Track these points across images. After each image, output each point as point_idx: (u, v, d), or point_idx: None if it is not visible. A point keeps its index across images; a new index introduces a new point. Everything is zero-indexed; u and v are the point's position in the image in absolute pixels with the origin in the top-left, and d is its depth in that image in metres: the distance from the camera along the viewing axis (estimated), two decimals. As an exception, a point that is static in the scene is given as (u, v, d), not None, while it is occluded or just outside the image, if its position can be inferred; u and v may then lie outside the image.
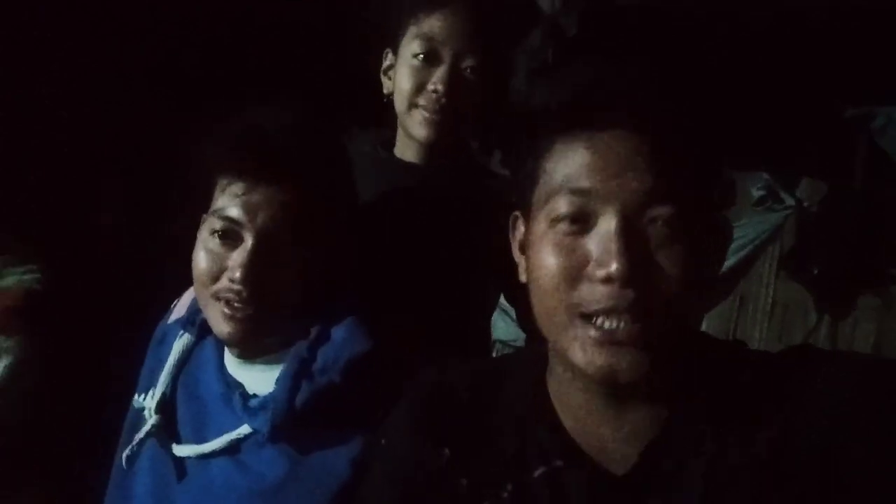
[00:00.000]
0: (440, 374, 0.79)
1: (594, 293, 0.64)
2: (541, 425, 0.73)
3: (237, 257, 0.89)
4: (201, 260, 0.92)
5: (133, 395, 1.04)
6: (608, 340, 0.63)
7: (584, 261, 0.65)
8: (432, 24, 1.09)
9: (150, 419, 0.96)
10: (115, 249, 2.02)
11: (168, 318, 1.08)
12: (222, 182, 0.91)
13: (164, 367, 1.00)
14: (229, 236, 0.90)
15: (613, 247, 0.63)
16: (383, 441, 0.80)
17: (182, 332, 1.02)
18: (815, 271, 3.04)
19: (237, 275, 0.88)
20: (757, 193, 3.10)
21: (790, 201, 3.09)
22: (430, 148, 1.14)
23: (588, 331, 0.64)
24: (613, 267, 0.62)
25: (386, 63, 1.18)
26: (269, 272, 0.89)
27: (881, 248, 2.92)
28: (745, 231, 3.11)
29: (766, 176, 3.09)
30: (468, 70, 1.09)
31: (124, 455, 0.98)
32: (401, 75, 1.12)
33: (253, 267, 0.88)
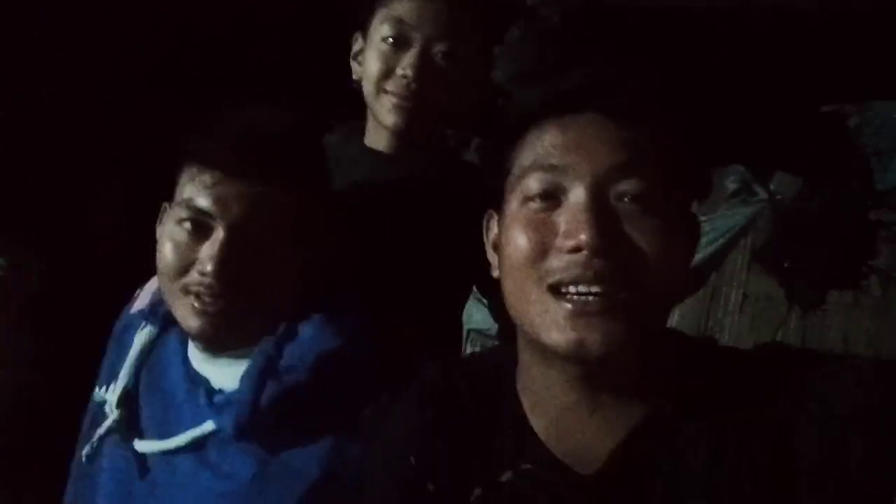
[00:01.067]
0: (420, 376, 0.79)
1: (563, 262, 0.64)
2: (509, 427, 0.72)
3: (208, 250, 0.86)
4: (168, 252, 0.88)
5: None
6: (580, 312, 0.63)
7: (554, 234, 0.65)
8: (403, 6, 1.06)
9: (112, 414, 0.93)
10: (112, 247, 2.00)
11: (130, 307, 1.05)
12: (190, 171, 0.89)
13: (125, 359, 0.97)
14: (198, 227, 0.87)
15: (582, 217, 0.64)
16: (379, 446, 0.78)
17: (144, 323, 0.99)
18: (787, 265, 3.07)
19: (208, 268, 0.85)
20: (731, 186, 3.12)
21: (763, 194, 3.12)
22: (400, 136, 1.11)
23: (560, 305, 0.64)
24: (582, 236, 0.63)
25: (355, 48, 1.15)
26: (240, 266, 0.86)
27: (853, 244, 2.96)
28: (718, 223, 3.13)
29: (741, 168, 3.11)
30: (439, 55, 1.07)
31: (84, 451, 0.95)
32: (369, 59, 1.09)
33: (225, 260, 0.85)
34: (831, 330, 3.02)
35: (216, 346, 0.91)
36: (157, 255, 0.90)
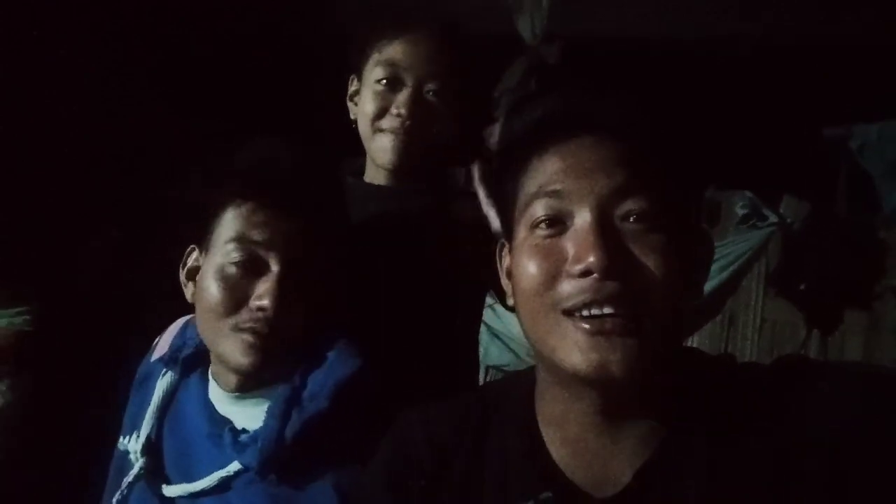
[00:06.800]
0: (423, 413, 0.78)
1: (574, 287, 0.64)
2: (527, 455, 0.72)
3: (264, 285, 0.87)
4: (216, 291, 0.88)
5: (118, 438, 1.02)
6: (598, 331, 0.64)
7: (563, 260, 0.66)
8: (395, 49, 1.11)
9: (137, 462, 0.95)
10: (105, 289, 2.01)
11: (150, 356, 1.07)
12: (241, 210, 0.89)
13: (147, 407, 0.98)
14: (250, 264, 0.88)
15: (590, 240, 0.64)
16: (361, 486, 0.79)
17: (165, 370, 1.00)
18: (802, 287, 3.05)
19: (266, 302, 0.86)
20: (740, 212, 3.13)
21: (773, 218, 3.12)
22: (397, 172, 1.14)
23: (577, 326, 0.64)
24: (591, 259, 0.63)
25: (351, 89, 1.19)
26: (293, 300, 0.88)
27: (866, 264, 2.94)
28: (731, 249, 3.13)
29: (749, 194, 3.12)
30: (431, 93, 1.10)
31: (115, 499, 0.96)
32: (365, 100, 1.13)
33: (283, 294, 0.87)
34: (850, 351, 2.99)
35: (253, 383, 0.92)
36: (202, 294, 0.90)
